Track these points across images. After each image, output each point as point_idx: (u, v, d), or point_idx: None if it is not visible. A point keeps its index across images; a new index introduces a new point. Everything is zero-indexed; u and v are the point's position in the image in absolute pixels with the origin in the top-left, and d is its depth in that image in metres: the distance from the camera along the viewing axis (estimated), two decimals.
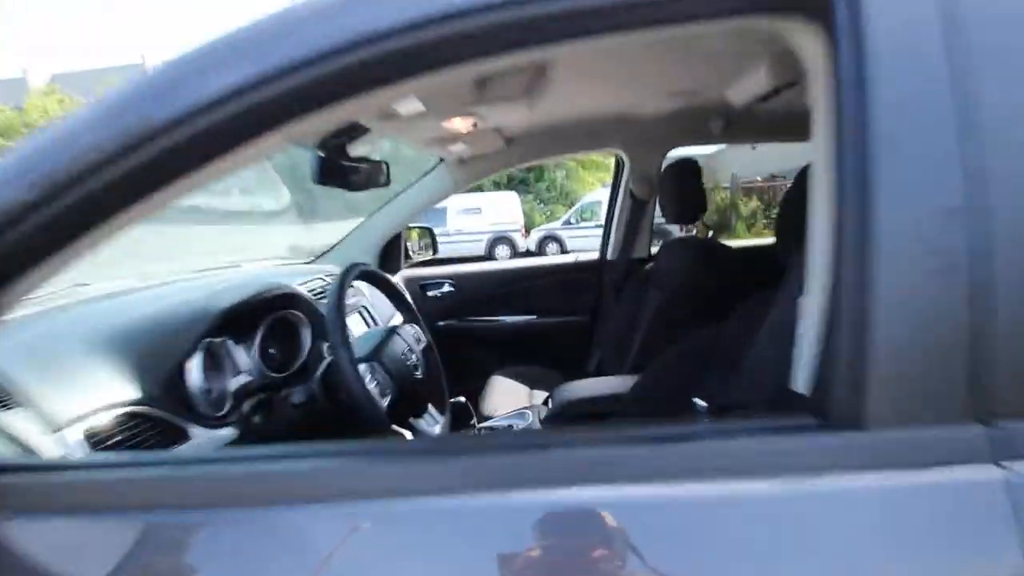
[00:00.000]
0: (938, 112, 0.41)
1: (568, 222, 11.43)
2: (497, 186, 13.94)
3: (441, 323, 2.16)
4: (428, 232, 2.41)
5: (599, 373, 2.00)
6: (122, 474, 0.51)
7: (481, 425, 1.39)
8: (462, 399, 1.37)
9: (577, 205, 11.99)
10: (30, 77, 20.58)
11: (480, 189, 13.57)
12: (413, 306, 1.19)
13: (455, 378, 2.28)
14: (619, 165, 2.02)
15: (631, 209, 1.98)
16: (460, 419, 1.38)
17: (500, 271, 2.20)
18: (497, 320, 2.16)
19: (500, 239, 11.00)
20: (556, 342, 2.18)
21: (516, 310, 2.16)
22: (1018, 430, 0.40)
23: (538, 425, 1.31)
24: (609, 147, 1.96)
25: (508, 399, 1.64)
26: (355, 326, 1.38)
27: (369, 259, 2.08)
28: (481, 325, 2.16)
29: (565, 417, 1.27)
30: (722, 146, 6.87)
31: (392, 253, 2.13)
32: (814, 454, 0.42)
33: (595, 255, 2.19)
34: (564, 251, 11.00)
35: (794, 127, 1.89)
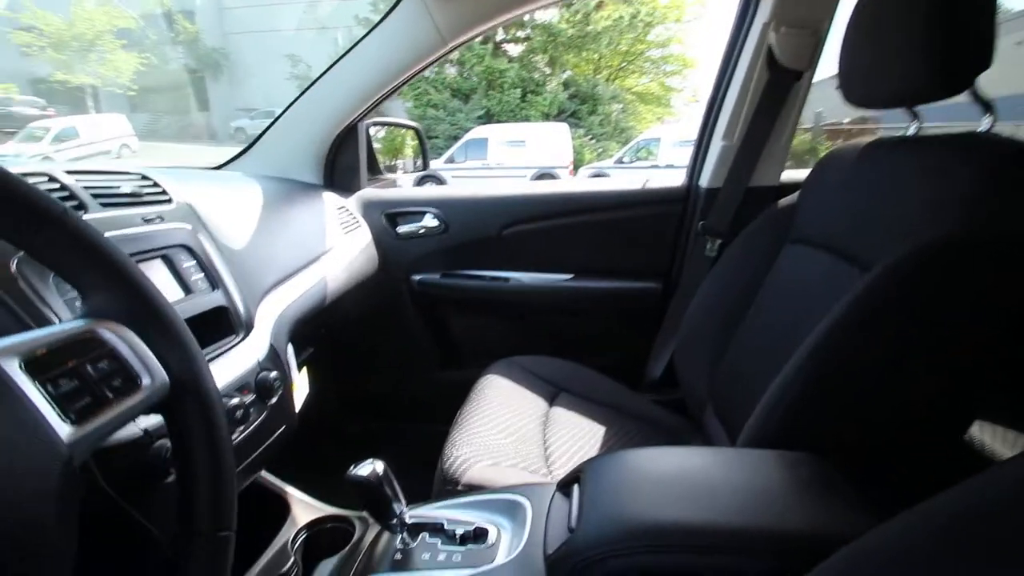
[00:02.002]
0: None
1: (620, 161, 10.22)
2: (546, 117, 12.66)
3: (416, 278, 1.37)
4: (416, 133, 1.57)
5: (667, 382, 1.18)
6: None
7: (414, 516, 0.60)
8: (378, 467, 0.57)
9: (633, 142, 10.68)
10: None
11: (527, 119, 12.36)
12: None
13: (432, 363, 1.49)
14: (747, 4, 1.09)
15: (764, 91, 1.07)
16: (374, 508, 0.59)
17: (513, 199, 1.34)
18: (506, 279, 1.34)
19: (544, 176, 9.94)
20: (600, 321, 1.35)
21: (537, 264, 1.33)
22: None
23: (539, 564, 0.52)
24: None
25: (498, 435, 0.86)
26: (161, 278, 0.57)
27: (309, 168, 1.29)
28: (479, 286, 1.35)
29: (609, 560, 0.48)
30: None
31: (345, 160, 1.32)
32: None
33: (678, 180, 1.30)
34: None
35: None
